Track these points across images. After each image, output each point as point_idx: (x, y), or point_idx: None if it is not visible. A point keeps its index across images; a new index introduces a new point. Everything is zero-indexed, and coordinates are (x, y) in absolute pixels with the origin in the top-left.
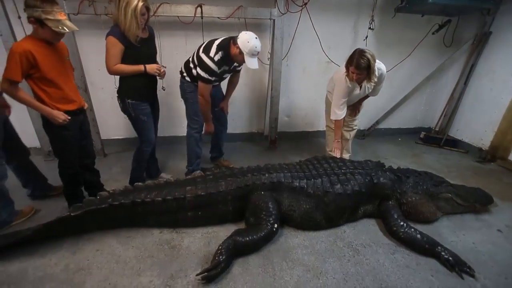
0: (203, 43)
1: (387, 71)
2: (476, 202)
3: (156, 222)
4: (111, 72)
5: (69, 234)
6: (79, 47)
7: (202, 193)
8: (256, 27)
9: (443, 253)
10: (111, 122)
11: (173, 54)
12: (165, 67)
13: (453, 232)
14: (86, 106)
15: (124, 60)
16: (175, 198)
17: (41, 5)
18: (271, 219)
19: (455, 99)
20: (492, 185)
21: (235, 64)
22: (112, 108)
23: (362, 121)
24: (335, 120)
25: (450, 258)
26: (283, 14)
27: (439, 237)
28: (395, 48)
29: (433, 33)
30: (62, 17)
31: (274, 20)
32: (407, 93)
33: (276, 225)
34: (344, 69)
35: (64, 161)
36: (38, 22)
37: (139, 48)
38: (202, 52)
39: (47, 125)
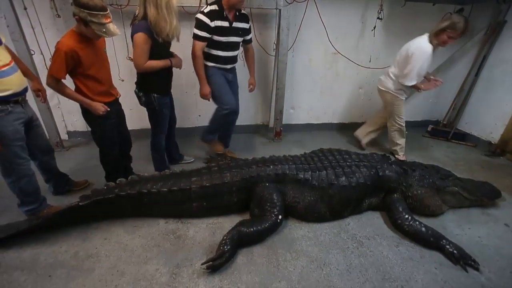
0: None
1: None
2: (483, 196)
3: (162, 212)
4: (142, 69)
5: (78, 223)
6: None
7: (207, 184)
8: (261, 17)
9: (447, 246)
10: None
11: (178, 45)
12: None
13: (458, 226)
14: (119, 95)
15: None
16: (181, 189)
17: (90, 8)
18: (275, 210)
19: (465, 91)
20: (501, 179)
21: (237, 23)
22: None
23: (368, 113)
24: (416, 85)
25: (455, 251)
26: (289, 3)
27: (444, 230)
28: (404, 39)
29: None
30: (107, 20)
31: (280, 10)
32: None
33: (280, 217)
34: (424, 44)
35: (106, 148)
36: (82, 21)
37: (160, 43)
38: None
39: (88, 116)
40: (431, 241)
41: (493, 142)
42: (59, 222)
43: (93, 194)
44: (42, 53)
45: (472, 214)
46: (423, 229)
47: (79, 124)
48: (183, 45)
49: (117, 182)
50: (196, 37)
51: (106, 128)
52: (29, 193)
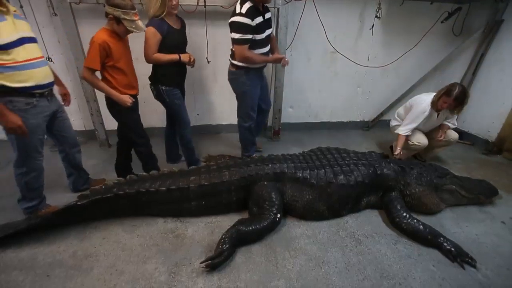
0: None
1: (392, 62)
2: (480, 194)
3: (161, 211)
4: (150, 60)
5: (76, 223)
6: (81, 37)
7: (206, 183)
8: None
9: (445, 244)
10: None
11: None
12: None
13: (456, 224)
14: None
15: (159, 49)
16: (179, 188)
17: (123, 7)
18: (274, 209)
19: None
20: (498, 177)
21: (266, 14)
22: None
23: (367, 112)
24: (399, 135)
25: (452, 249)
26: (287, 2)
27: (442, 228)
28: (402, 38)
29: (442, 22)
30: (136, 17)
31: (278, 8)
32: (413, 84)
33: (279, 215)
34: (424, 101)
35: (139, 138)
36: (115, 19)
37: (172, 38)
38: (230, 18)
39: (115, 109)
40: (429, 239)
41: (490, 141)
42: (58, 221)
43: (92, 194)
44: None
45: (469, 212)
46: (421, 227)
47: (77, 123)
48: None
49: (116, 181)
50: (239, 41)
51: (135, 118)
52: (33, 188)
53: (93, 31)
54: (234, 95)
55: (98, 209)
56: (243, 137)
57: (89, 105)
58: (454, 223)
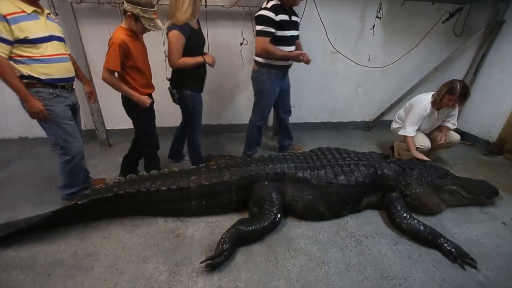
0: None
1: (393, 62)
2: (481, 195)
3: (161, 211)
4: (176, 66)
5: (76, 222)
6: (82, 37)
7: (206, 183)
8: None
9: (445, 245)
10: (116, 112)
11: None
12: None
13: (456, 224)
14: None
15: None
16: (180, 188)
17: (142, 5)
18: (274, 209)
19: None
20: (499, 178)
21: (293, 16)
22: (117, 98)
23: (367, 112)
24: (405, 136)
25: (453, 250)
26: None
27: (442, 229)
28: (403, 38)
29: (443, 22)
30: (155, 16)
31: None
32: (413, 84)
33: (279, 215)
34: (424, 100)
35: (150, 138)
36: (133, 17)
37: (195, 40)
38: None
39: (133, 109)
40: (429, 240)
41: (491, 141)
42: (58, 221)
43: (92, 193)
44: None
45: (470, 212)
46: (421, 227)
47: None
48: None
49: (116, 180)
50: (261, 33)
51: (151, 119)
52: (78, 174)
53: (94, 31)
54: (234, 95)
55: (99, 208)
56: (250, 134)
57: (89, 105)
58: (454, 224)
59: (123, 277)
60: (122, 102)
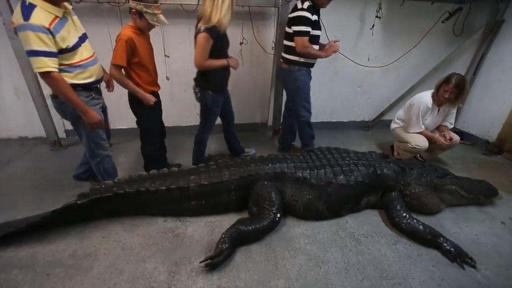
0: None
1: (393, 62)
2: (480, 194)
3: (160, 211)
4: (202, 67)
5: (76, 222)
6: None
7: (206, 183)
8: (260, 15)
9: (444, 244)
10: (116, 112)
11: (177, 43)
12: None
13: (456, 224)
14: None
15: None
16: (179, 187)
17: (145, 1)
18: (273, 208)
19: None
20: (498, 177)
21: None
22: (116, 98)
23: (367, 112)
24: (421, 132)
25: (452, 249)
26: (288, 2)
27: (442, 228)
28: (402, 38)
29: (442, 22)
30: (158, 11)
31: (278, 8)
32: (413, 84)
33: (278, 215)
34: (424, 96)
35: (150, 137)
36: (138, 14)
37: (221, 43)
38: (290, 14)
39: (138, 106)
40: (429, 239)
41: (490, 141)
42: (57, 220)
43: (91, 193)
44: None
45: (469, 212)
46: (421, 227)
47: None
48: (181, 43)
49: (116, 180)
50: (301, 33)
51: (155, 118)
52: (110, 172)
53: (93, 30)
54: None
55: (98, 208)
56: (302, 132)
57: None
58: (454, 224)
59: (123, 277)
60: (129, 100)
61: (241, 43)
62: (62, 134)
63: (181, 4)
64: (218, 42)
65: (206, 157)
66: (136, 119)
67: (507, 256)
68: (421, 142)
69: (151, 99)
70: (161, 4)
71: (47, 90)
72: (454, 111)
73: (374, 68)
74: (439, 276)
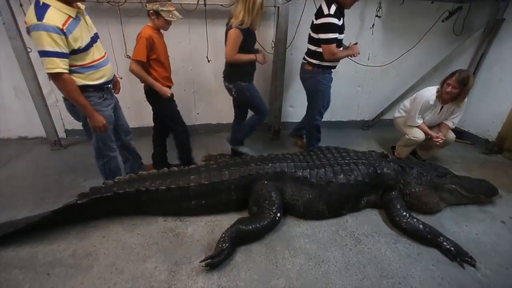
0: (312, 21)
1: (393, 61)
2: (480, 194)
3: (161, 210)
4: (232, 60)
5: (76, 221)
6: None
7: (206, 182)
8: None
9: (444, 243)
10: None
11: (177, 42)
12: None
13: (456, 223)
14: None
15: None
16: (179, 187)
17: (159, 0)
18: (273, 208)
19: None
20: (498, 177)
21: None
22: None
23: (367, 111)
24: (418, 126)
25: (452, 248)
26: (288, 1)
27: (442, 227)
28: (402, 37)
29: (442, 21)
30: (172, 8)
31: (278, 7)
32: (413, 83)
33: (279, 214)
34: (429, 91)
35: (180, 126)
36: (155, 14)
37: (249, 39)
38: (316, 20)
39: (156, 100)
40: (429, 238)
41: (490, 140)
42: (58, 220)
43: (92, 192)
44: None
45: (469, 211)
46: (421, 226)
47: (77, 122)
48: (181, 43)
49: (116, 180)
50: (329, 41)
51: (175, 109)
52: (115, 172)
53: None
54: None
55: (98, 208)
56: (310, 133)
57: None
58: (454, 223)
59: (123, 277)
60: (146, 96)
61: None
62: (62, 134)
63: (181, 4)
64: (246, 39)
65: (206, 156)
66: (153, 117)
67: (507, 255)
68: (418, 135)
69: (168, 91)
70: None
71: (47, 90)
72: (460, 112)
73: (374, 68)
74: (439, 275)
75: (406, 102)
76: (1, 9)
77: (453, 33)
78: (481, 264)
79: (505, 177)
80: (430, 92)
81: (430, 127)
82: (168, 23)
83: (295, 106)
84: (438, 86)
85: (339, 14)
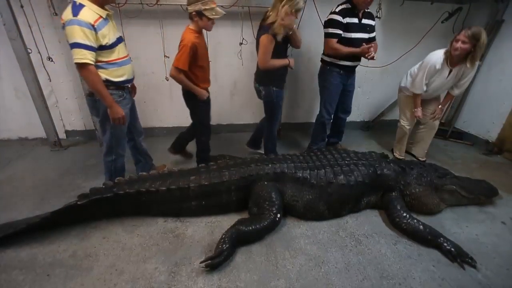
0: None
1: (393, 62)
2: (480, 194)
3: (161, 211)
4: (266, 67)
5: (76, 222)
6: None
7: (206, 183)
8: (260, 16)
9: (445, 244)
10: None
11: (177, 43)
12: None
13: (456, 224)
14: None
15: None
16: (179, 188)
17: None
18: (274, 209)
19: None
20: (498, 177)
21: (365, 19)
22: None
23: (367, 112)
24: (415, 94)
25: (452, 249)
26: None
27: (442, 228)
28: (402, 38)
29: (442, 22)
30: (214, 5)
31: None
32: None
33: (279, 215)
34: (436, 54)
35: (205, 128)
36: (198, 15)
37: (280, 44)
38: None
39: (193, 101)
40: (429, 239)
41: (490, 141)
42: (58, 221)
43: (92, 193)
44: (39, 52)
45: (469, 212)
46: (421, 227)
47: (78, 123)
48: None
49: (116, 181)
50: (329, 35)
51: (207, 111)
52: (120, 172)
53: None
54: (233, 95)
55: (98, 208)
56: (315, 130)
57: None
58: (454, 224)
59: (123, 277)
60: (184, 97)
61: (240, 44)
62: (62, 135)
63: (180, 5)
64: (277, 43)
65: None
66: (189, 114)
67: (507, 256)
68: (409, 121)
69: (205, 93)
70: (161, 4)
71: (47, 91)
72: (470, 75)
73: (374, 68)
74: (439, 276)
75: (415, 68)
76: (1, 10)
77: (453, 34)
78: (481, 265)
79: (505, 178)
80: (436, 56)
81: (430, 99)
82: (212, 22)
83: (295, 107)
84: (444, 49)
85: (347, 13)
